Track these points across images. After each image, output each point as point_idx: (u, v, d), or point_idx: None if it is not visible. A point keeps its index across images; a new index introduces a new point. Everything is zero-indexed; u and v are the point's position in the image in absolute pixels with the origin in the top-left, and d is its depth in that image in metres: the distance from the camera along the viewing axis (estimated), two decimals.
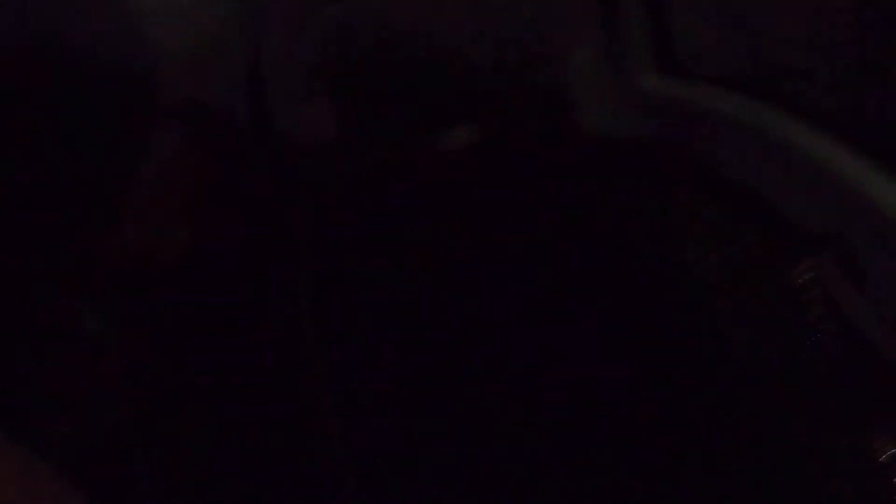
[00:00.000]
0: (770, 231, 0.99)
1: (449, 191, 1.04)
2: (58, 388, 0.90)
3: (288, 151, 1.00)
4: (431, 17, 1.10)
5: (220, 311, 0.99)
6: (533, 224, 1.05)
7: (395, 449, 0.98)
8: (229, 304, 0.99)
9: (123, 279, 0.95)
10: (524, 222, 1.05)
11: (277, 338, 1.00)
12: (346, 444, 0.98)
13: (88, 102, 0.92)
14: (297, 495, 0.99)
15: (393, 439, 0.99)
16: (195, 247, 0.97)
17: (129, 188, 0.96)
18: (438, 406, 1.01)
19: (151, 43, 0.95)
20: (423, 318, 1.02)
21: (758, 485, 0.97)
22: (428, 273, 1.03)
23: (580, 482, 0.98)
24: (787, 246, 0.98)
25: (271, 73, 1.02)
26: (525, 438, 0.99)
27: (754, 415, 0.98)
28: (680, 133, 1.10)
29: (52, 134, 0.92)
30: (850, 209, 0.97)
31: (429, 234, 1.05)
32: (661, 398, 0.96)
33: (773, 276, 0.97)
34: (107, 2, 0.94)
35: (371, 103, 1.06)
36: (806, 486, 0.95)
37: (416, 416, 1.00)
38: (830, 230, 0.98)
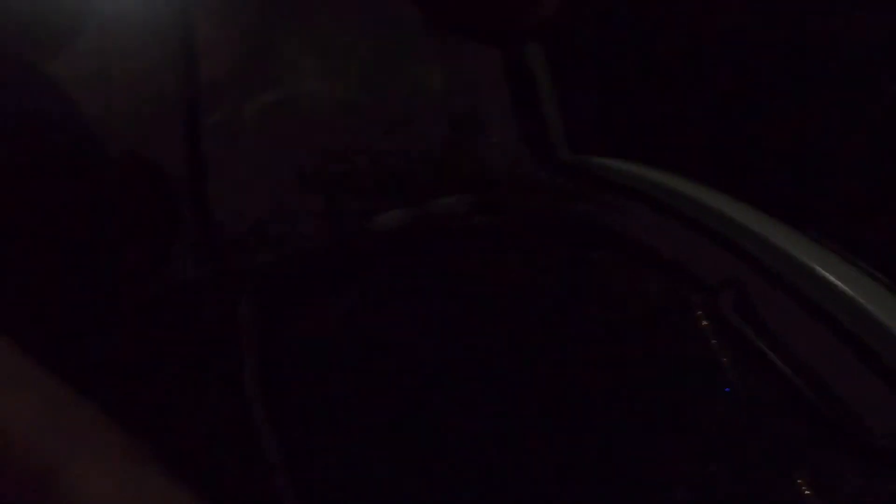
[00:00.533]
0: (673, 280, 1.09)
1: (384, 267, 1.13)
2: None
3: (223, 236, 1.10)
4: (364, 106, 1.20)
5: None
6: (467, 289, 1.15)
7: None
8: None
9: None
10: (459, 292, 1.15)
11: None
12: None
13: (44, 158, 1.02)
14: None
15: None
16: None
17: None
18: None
19: (95, 105, 1.05)
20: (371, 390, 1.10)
21: None
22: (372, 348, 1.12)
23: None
24: (689, 292, 1.08)
25: (210, 149, 1.12)
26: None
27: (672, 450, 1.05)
28: (592, 201, 1.22)
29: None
30: (743, 257, 1.07)
31: (371, 312, 1.14)
32: (576, 438, 1.03)
33: (679, 318, 1.07)
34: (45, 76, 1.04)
35: (306, 188, 1.17)
36: None
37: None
38: (727, 276, 1.07)
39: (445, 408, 1.03)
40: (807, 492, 0.95)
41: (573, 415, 1.03)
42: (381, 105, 1.18)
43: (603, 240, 1.20)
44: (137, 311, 1.02)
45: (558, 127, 1.27)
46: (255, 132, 1.14)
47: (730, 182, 1.13)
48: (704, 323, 1.08)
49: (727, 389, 1.07)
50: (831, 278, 0.95)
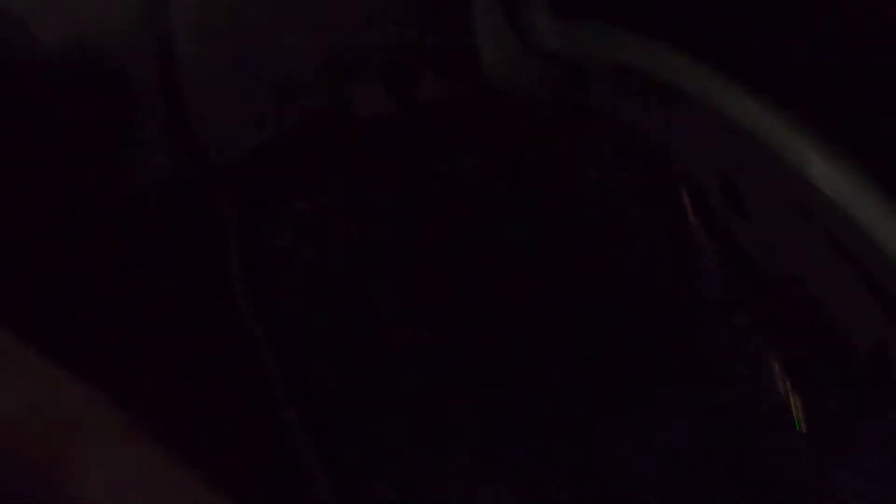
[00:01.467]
0: (657, 165, 1.07)
1: (364, 156, 1.10)
2: None
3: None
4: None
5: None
6: (452, 183, 1.13)
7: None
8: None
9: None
10: (443, 185, 1.13)
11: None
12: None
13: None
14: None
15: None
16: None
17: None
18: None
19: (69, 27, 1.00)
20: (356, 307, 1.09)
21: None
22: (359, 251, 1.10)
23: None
24: (674, 179, 1.06)
25: (184, 50, 1.07)
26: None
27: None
28: (575, 76, 1.18)
29: None
30: (731, 144, 1.05)
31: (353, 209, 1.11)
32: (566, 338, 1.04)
33: (663, 208, 1.06)
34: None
35: (285, 81, 1.11)
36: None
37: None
38: (714, 163, 1.06)
39: (423, 315, 1.03)
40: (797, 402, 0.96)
41: (542, 324, 1.03)
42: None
43: (586, 120, 1.17)
44: (111, 217, 0.99)
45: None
46: (230, 30, 1.08)
47: (731, 59, 1.07)
48: (691, 217, 1.07)
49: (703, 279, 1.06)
50: (827, 188, 0.94)
